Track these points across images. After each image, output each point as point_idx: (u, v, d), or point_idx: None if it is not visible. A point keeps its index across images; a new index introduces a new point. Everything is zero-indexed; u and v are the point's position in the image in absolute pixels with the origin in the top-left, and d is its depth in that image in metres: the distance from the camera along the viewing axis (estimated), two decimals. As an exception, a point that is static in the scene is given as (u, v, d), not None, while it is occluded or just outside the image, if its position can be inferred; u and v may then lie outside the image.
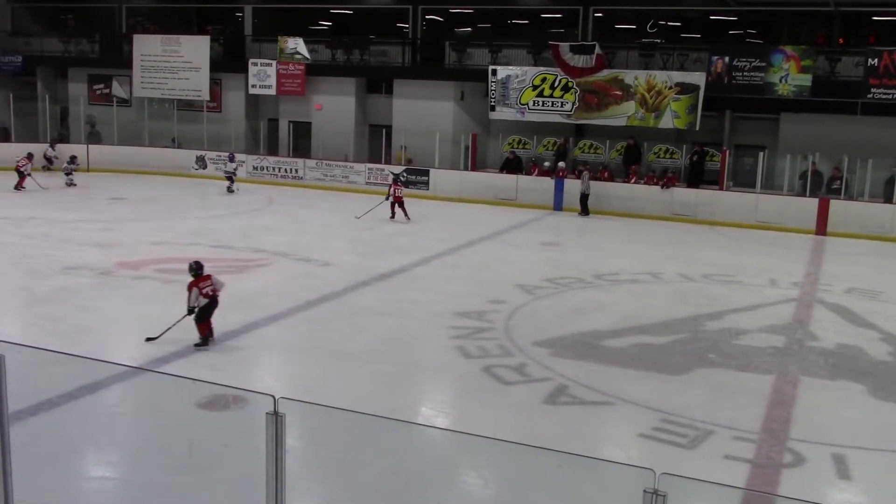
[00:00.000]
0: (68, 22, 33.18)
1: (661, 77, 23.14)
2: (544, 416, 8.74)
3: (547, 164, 24.29)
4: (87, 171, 26.95)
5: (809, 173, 21.72)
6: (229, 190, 23.71)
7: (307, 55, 27.29)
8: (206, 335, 10.20)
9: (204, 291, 10.08)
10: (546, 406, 8.95)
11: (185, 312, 10.10)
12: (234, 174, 24.31)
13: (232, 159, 25.02)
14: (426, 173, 24.59)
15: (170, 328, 10.19)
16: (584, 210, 22.17)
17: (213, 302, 10.14)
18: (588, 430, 8.54)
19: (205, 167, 27.09)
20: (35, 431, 7.27)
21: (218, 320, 11.26)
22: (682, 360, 10.65)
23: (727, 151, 22.92)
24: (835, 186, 21.67)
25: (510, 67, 24.81)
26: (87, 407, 8.19)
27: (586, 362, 10.36)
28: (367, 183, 25.10)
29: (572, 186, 23.03)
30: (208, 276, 10.23)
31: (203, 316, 10.13)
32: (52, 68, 31.92)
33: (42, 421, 7.62)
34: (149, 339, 10.26)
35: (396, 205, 19.92)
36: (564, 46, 23.83)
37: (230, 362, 9.91)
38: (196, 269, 10.27)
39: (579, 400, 9.15)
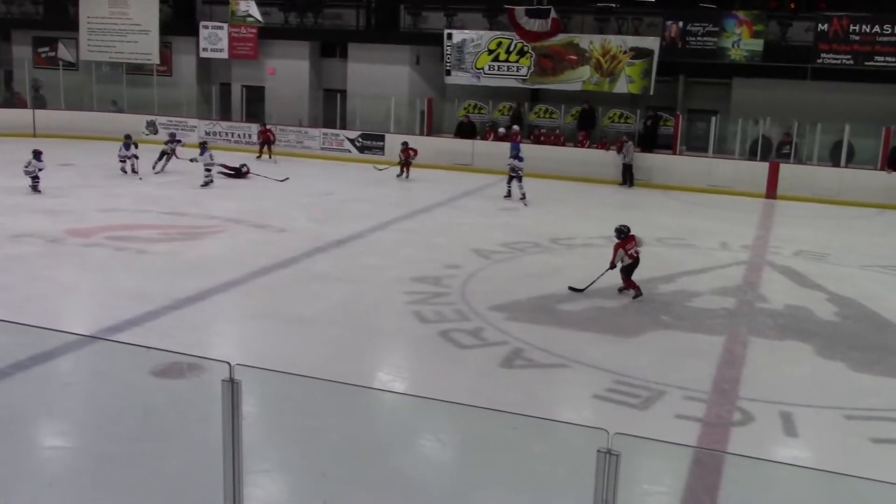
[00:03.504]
0: (11, -18, 32.14)
1: (616, 42, 23.20)
2: (501, 379, 8.83)
3: (502, 129, 24.27)
4: (34, 136, 26.31)
5: (760, 138, 22.02)
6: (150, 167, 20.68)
7: (259, 18, 26.84)
8: (637, 288, 11.53)
9: (629, 252, 11.39)
10: (502, 370, 9.04)
11: (608, 267, 11.49)
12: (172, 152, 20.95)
13: (174, 139, 21.76)
14: (381, 138, 24.45)
15: (594, 281, 11.51)
16: (630, 181, 21.88)
17: (635, 262, 11.48)
18: (543, 393, 8.65)
19: (156, 132, 26.59)
20: (-14, 402, 7.16)
21: (171, 287, 11.17)
22: (635, 322, 10.81)
23: (680, 116, 23.13)
24: (784, 151, 22.01)
25: (466, 31, 24.67)
26: (39, 377, 8.08)
27: (542, 326, 10.46)
28: (321, 148, 24.89)
29: (527, 151, 23.03)
30: (632, 238, 11.45)
31: (629, 274, 11.50)
32: (-5, 31, 31.00)
33: (-8, 391, 7.51)
34: (573, 289, 11.60)
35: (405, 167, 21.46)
36: (520, 10, 23.73)
37: (185, 329, 9.83)
38: (626, 231, 11.47)
39: (535, 363, 9.26)
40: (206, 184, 19.13)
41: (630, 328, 10.58)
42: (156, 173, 20.33)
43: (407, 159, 21.43)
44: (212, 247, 13.85)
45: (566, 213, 18.19)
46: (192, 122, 26.50)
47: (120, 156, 20.04)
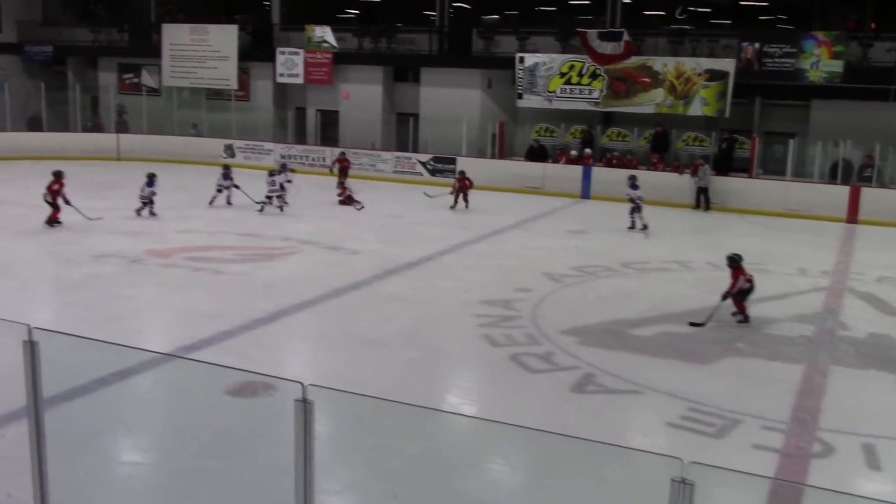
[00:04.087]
0: (98, 12, 33.51)
1: (691, 64, 22.93)
2: (571, 404, 8.74)
3: (574, 152, 24.19)
4: (118, 159, 27.23)
5: (840, 161, 21.44)
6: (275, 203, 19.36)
7: (335, 43, 27.34)
8: (746, 314, 11.58)
9: (747, 277, 11.53)
10: (573, 394, 8.94)
11: (725, 296, 11.51)
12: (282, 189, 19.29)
13: (283, 169, 20.25)
14: (453, 161, 24.57)
15: (713, 314, 11.38)
16: (705, 205, 21.49)
17: (752, 287, 11.57)
18: (615, 419, 8.53)
19: (233, 156, 27.26)
20: (69, 417, 7.38)
21: (245, 307, 11.39)
22: (709, 348, 10.59)
23: (757, 139, 22.69)
24: (866, 174, 21.38)
25: (538, 55, 24.70)
26: (119, 393, 8.31)
27: (613, 351, 10.33)
28: (394, 171, 25.14)
29: (599, 174, 22.91)
30: (742, 266, 11.62)
31: (744, 298, 11.58)
32: (83, 58, 32.28)
33: (75, 406, 7.73)
34: (694, 324, 11.35)
35: (461, 195, 20.26)
36: (592, 33, 23.67)
37: (259, 349, 10.00)
38: (739, 259, 11.65)
39: (606, 388, 9.13)
40: (262, 207, 18.89)
41: (704, 355, 10.36)
42: (277, 206, 19.16)
43: (462, 189, 20.28)
44: (285, 268, 14.08)
45: (639, 236, 17.95)
46: (269, 145, 27.08)
47: (218, 185, 19.60)
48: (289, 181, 19.61)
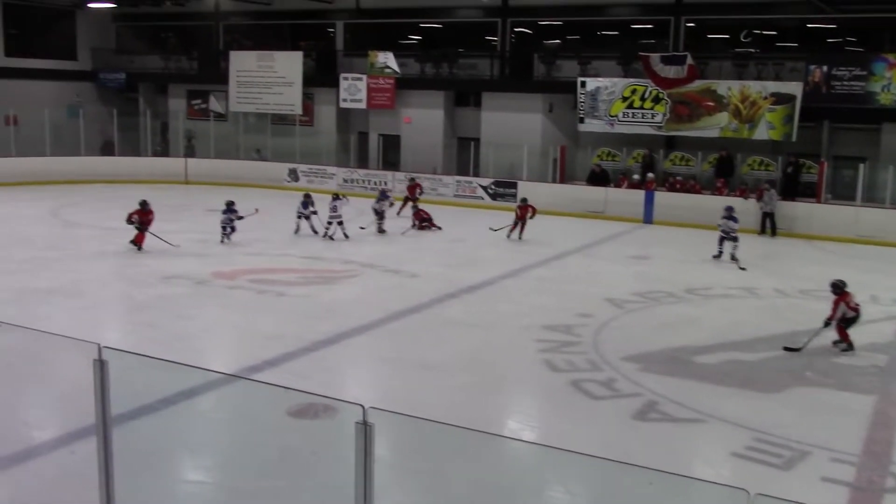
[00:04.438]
0: (169, 40, 34.48)
1: (756, 87, 22.60)
2: (634, 432, 8.60)
3: (636, 176, 23.98)
4: (186, 182, 27.89)
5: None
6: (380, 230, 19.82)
7: (397, 69, 27.64)
8: (850, 342, 11.31)
9: (852, 306, 11.28)
10: (635, 422, 8.81)
11: (826, 323, 11.26)
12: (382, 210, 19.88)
13: (384, 196, 20.35)
14: (514, 185, 24.57)
15: (810, 340, 11.22)
16: (771, 230, 21.01)
17: (857, 315, 11.33)
18: (679, 448, 8.37)
19: (297, 179, 27.69)
20: (135, 435, 7.52)
21: (307, 329, 11.51)
22: (776, 377, 10.34)
23: (825, 163, 22.21)
24: (941, 199, 20.75)
25: (599, 79, 24.61)
26: (183, 412, 8.45)
27: (677, 378, 10.15)
28: (455, 195, 25.23)
29: (661, 199, 22.66)
30: (847, 293, 11.32)
31: (848, 326, 11.32)
32: (154, 85, 33.23)
33: (142, 425, 7.89)
34: (788, 349, 11.23)
35: (519, 225, 19.43)
36: (655, 57, 23.51)
37: (320, 371, 10.09)
38: (842, 286, 11.39)
39: (670, 416, 8.98)
40: (326, 234, 18.64)
41: (770, 383, 10.12)
42: (379, 233, 19.49)
43: (523, 218, 19.38)
44: (347, 291, 14.21)
45: (702, 262, 17.67)
46: (331, 169, 27.44)
47: (298, 212, 19.16)
48: (385, 202, 19.91)
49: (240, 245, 17.62)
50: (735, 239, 17.26)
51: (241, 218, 17.88)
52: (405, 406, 7.76)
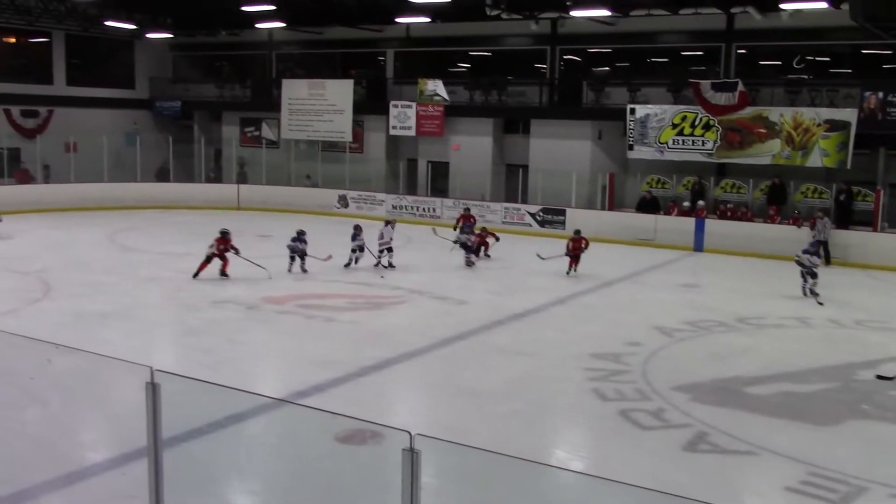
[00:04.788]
0: (223, 69, 35.21)
1: (809, 114, 22.29)
2: (684, 463, 8.47)
3: (686, 203, 23.76)
4: (238, 209, 28.33)
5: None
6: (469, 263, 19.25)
7: (446, 97, 27.85)
8: None
9: None
10: (685, 453, 8.67)
11: None
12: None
13: (467, 236, 19.74)
14: (562, 213, 24.50)
15: None
16: (825, 259, 20.02)
17: None
18: (730, 481, 8.21)
19: (346, 206, 27.95)
20: (185, 458, 7.62)
21: (355, 355, 11.57)
22: (831, 410, 10.11)
23: (881, 191, 21.77)
24: None
25: (649, 106, 24.51)
26: (233, 436, 8.54)
27: (728, 409, 9.98)
28: (503, 222, 25.23)
29: (712, 227, 22.42)
30: None
31: None
32: (208, 112, 33.93)
33: (192, 448, 7.99)
34: (882, 378, 11.03)
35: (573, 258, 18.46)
36: (706, 84, 23.36)
37: (367, 397, 10.12)
38: None
39: (720, 448, 8.83)
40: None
41: (825, 416, 9.89)
42: (469, 265, 19.08)
43: (577, 251, 18.28)
44: (395, 317, 14.27)
45: (754, 291, 17.38)
46: (381, 196, 27.67)
47: (352, 248, 18.35)
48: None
49: (299, 274, 17.70)
50: (815, 275, 16.40)
51: (305, 254, 17.62)
52: (452, 433, 7.74)
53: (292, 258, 17.65)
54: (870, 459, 8.59)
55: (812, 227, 20.90)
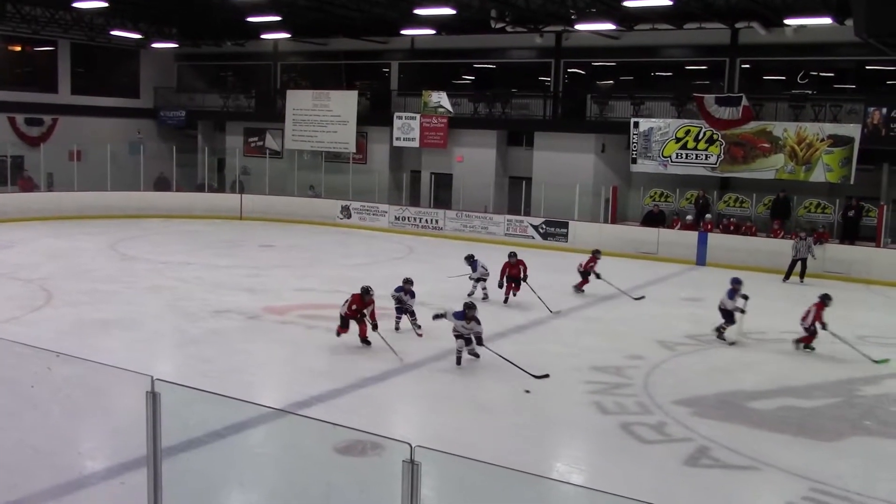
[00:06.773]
0: (228, 79, 35.33)
1: (813, 129, 22.31)
2: (685, 478, 8.43)
3: (689, 217, 23.75)
4: (241, 218, 28.35)
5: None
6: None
7: (450, 109, 27.90)
8: None
9: None
10: (687, 468, 8.63)
11: None
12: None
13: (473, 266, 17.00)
14: (565, 225, 24.49)
15: None
16: (801, 275, 19.99)
17: None
18: (732, 496, 8.17)
19: (349, 216, 27.97)
20: (185, 467, 7.59)
21: (355, 366, 11.54)
22: (834, 425, 10.06)
23: (885, 206, 21.75)
24: None
25: (652, 119, 24.54)
26: (232, 446, 8.51)
27: (729, 423, 9.94)
28: (506, 234, 25.23)
29: (715, 241, 22.40)
30: None
31: None
32: (212, 122, 34.03)
33: (192, 457, 7.96)
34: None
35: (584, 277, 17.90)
36: (709, 98, 23.39)
37: (367, 408, 10.09)
38: None
39: (722, 463, 8.78)
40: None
41: (828, 431, 9.85)
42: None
43: (588, 270, 17.74)
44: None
45: (757, 305, 17.26)
46: (383, 207, 27.68)
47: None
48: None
49: (291, 280, 17.70)
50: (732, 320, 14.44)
51: (413, 312, 14.00)
52: (452, 446, 7.71)
53: (399, 311, 14.00)
54: (872, 475, 8.55)
55: (816, 242, 20.81)
